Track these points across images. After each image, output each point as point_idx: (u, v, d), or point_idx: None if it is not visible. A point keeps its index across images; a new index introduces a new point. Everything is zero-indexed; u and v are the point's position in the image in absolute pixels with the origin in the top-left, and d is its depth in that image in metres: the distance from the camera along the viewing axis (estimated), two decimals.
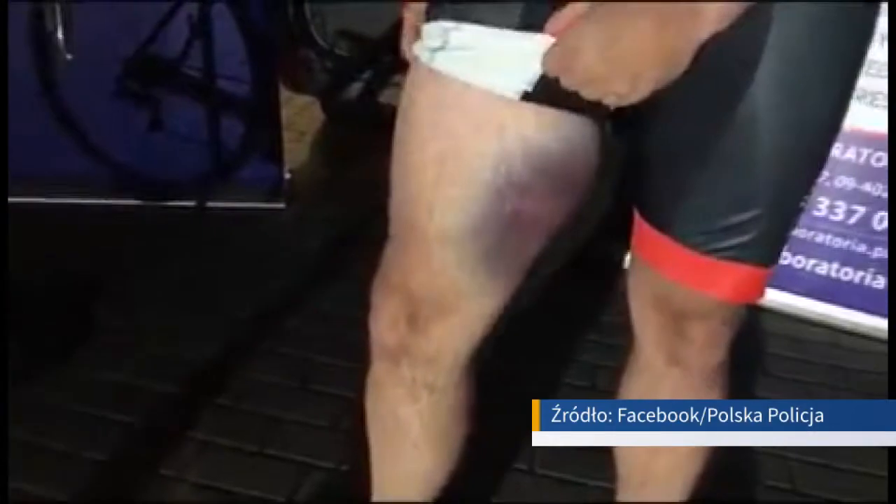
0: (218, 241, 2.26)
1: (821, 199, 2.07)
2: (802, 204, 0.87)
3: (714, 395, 1.02)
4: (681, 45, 0.69)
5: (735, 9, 0.68)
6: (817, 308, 2.11)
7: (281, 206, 2.46)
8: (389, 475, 1.13)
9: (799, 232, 2.09)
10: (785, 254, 2.03)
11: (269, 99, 2.40)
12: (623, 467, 1.18)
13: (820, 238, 2.10)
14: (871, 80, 1.94)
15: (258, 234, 2.33)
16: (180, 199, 2.39)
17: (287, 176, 2.49)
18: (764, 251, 0.88)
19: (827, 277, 2.10)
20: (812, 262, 2.11)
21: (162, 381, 1.70)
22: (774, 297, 2.09)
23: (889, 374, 1.82)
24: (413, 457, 1.07)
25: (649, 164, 0.88)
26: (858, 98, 1.94)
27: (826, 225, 2.08)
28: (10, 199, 1.65)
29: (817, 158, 0.86)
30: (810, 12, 0.74)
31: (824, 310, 2.10)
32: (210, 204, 2.38)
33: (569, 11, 0.71)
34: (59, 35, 0.80)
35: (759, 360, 1.95)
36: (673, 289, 0.92)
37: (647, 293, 0.98)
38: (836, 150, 1.95)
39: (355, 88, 2.92)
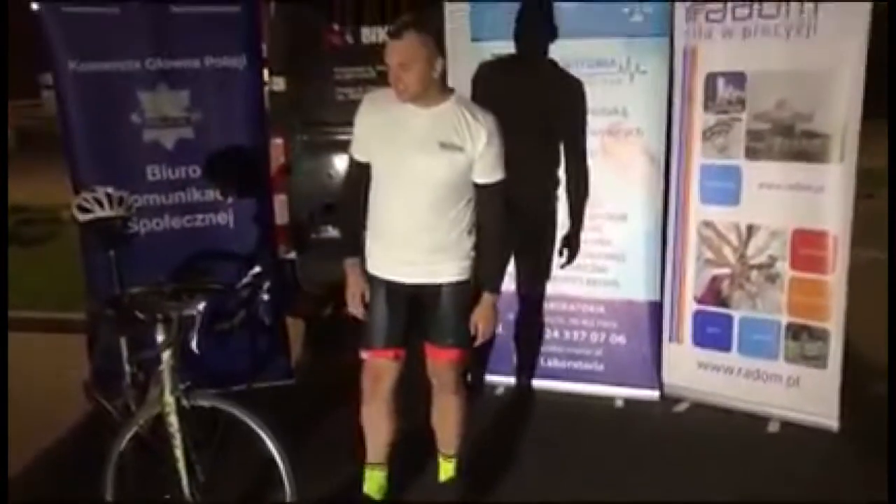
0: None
1: None
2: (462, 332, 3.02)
3: (460, 396, 3.16)
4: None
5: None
6: None
7: (292, 382, 4.41)
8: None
9: None
10: None
11: (281, 322, 4.44)
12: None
13: None
14: None
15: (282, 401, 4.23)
16: (237, 384, 4.29)
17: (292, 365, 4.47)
18: (454, 344, 3.04)
19: None
20: None
21: None
22: None
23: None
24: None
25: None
26: None
27: None
28: None
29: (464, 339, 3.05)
30: (451, 288, 2.97)
31: None
32: (255, 385, 4.31)
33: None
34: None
35: None
36: (430, 359, 3.09)
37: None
38: None
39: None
